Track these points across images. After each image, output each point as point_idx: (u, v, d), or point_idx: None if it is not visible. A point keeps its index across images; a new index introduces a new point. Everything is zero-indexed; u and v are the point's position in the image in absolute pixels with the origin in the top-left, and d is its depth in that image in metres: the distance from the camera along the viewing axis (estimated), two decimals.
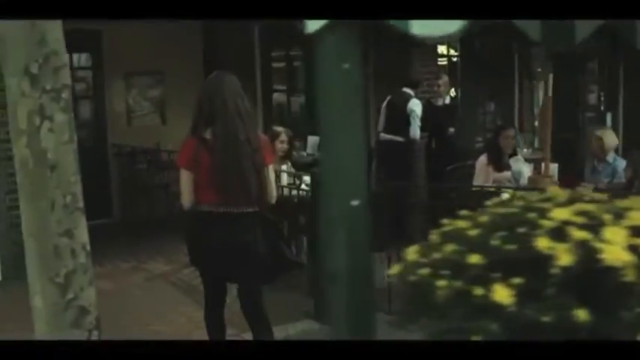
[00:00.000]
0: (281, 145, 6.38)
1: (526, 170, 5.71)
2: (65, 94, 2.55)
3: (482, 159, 6.33)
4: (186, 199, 3.67)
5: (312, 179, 4.95)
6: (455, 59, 10.06)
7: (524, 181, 5.62)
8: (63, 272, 2.57)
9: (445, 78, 8.22)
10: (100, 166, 8.78)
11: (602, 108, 11.93)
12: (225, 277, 3.80)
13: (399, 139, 7.64)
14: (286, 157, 6.53)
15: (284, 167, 6.35)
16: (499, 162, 6.23)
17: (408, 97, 7.66)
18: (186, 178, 3.64)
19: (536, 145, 9.69)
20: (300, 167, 7.37)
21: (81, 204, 2.64)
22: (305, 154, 8.87)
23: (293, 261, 4.06)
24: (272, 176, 3.73)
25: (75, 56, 8.65)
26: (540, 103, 10.71)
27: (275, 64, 9.72)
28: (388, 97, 7.95)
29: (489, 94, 10.51)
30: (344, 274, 1.18)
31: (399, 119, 7.63)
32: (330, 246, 1.10)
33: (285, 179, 6.00)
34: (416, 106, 7.58)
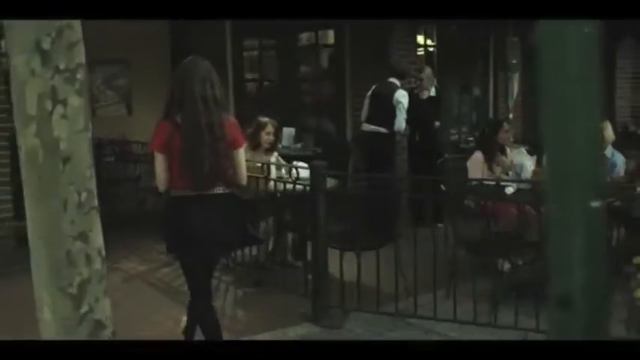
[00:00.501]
0: (267, 137, 6.12)
1: (529, 164, 5.53)
2: (80, 75, 2.21)
3: (478, 156, 6.14)
4: (161, 182, 3.74)
5: (312, 173, 4.65)
6: (432, 49, 9.86)
7: (526, 174, 5.44)
8: (77, 281, 2.24)
9: (428, 70, 8.00)
10: None
11: None
12: (203, 261, 3.84)
13: (383, 130, 7.41)
14: (272, 148, 6.28)
15: (272, 159, 6.05)
16: (495, 158, 6.07)
17: (394, 88, 7.42)
18: (160, 162, 3.70)
19: (511, 138, 9.56)
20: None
21: (96, 202, 2.30)
22: (280, 146, 8.59)
23: (254, 236, 4.26)
24: (242, 159, 3.79)
25: None
26: (515, 95, 10.68)
27: (247, 53, 9.38)
28: (373, 87, 7.70)
29: (464, 86, 10.39)
30: (582, 294, 0.92)
31: (383, 110, 7.39)
32: (564, 260, 0.85)
33: (273, 172, 5.68)
34: (402, 97, 7.34)
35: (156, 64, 8.77)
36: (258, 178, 5.23)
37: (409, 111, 7.33)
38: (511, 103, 10.59)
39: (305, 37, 9.44)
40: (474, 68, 10.49)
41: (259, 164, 5.66)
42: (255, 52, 9.40)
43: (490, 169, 6.09)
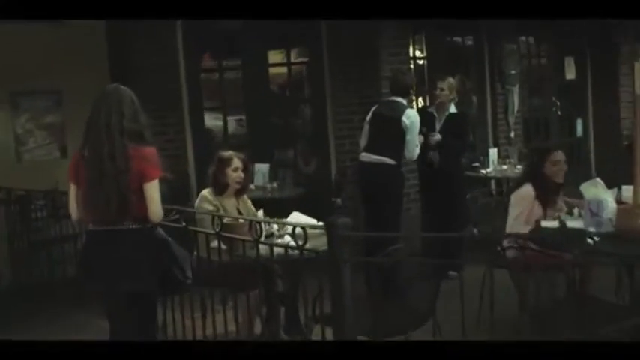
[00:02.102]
0: (235, 175, 5.04)
1: (610, 199, 4.25)
2: None
3: (528, 190, 4.87)
4: (71, 213, 3.87)
5: (329, 235, 3.29)
6: (421, 61, 8.69)
7: (608, 214, 4.16)
8: None
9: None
10: None
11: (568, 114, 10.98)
12: (112, 298, 3.86)
13: (390, 161, 6.13)
14: (244, 189, 5.19)
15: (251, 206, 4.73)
16: (549, 194, 4.81)
17: (400, 108, 6.15)
18: (71, 192, 3.83)
19: (514, 159, 8.39)
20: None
21: None
22: (253, 186, 7.26)
23: (181, 281, 3.84)
24: (152, 194, 3.66)
25: None
26: (516, 110, 9.56)
27: (206, 76, 8.08)
28: (373, 108, 6.41)
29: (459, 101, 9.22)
30: None
31: (388, 135, 6.12)
32: None
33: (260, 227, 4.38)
34: (412, 118, 6.09)
35: (94, 94, 7.42)
36: (244, 240, 3.90)
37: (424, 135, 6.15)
38: (512, 120, 9.46)
39: (275, 55, 8.17)
40: (469, 81, 9.34)
41: (242, 220, 4.33)
42: (215, 75, 8.08)
43: (545, 207, 4.80)
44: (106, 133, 3.63)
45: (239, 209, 5.00)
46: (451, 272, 6.28)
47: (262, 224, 4.22)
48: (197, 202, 4.97)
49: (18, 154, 7.33)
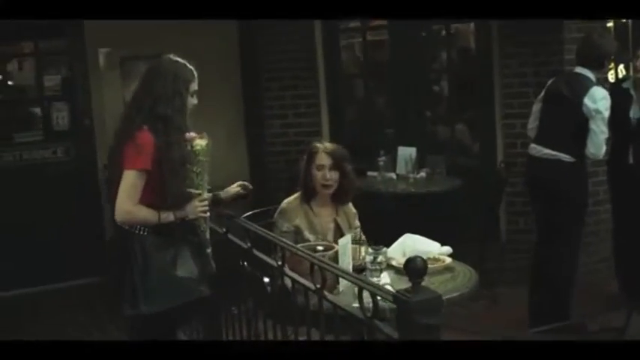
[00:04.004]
0: (319, 174, 3.75)
1: None
2: None
3: None
4: None
5: (399, 318, 1.92)
6: (624, 20, 6.91)
7: None
8: None
9: None
10: (87, 198, 6.54)
11: None
12: None
13: (566, 157, 4.61)
14: (342, 197, 3.82)
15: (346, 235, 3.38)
16: None
17: (584, 85, 4.56)
18: None
19: None
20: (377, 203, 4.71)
21: None
22: (394, 175, 6.00)
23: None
24: (122, 185, 3.14)
25: None
26: None
27: (346, 40, 6.99)
28: (549, 82, 4.87)
29: None
30: None
31: (565, 122, 4.61)
32: None
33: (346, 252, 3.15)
34: (599, 101, 4.49)
35: (218, 60, 6.71)
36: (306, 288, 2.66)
37: (615, 120, 4.58)
38: None
39: None
40: None
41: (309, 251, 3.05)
42: (358, 39, 6.92)
43: None
44: (126, 110, 3.34)
45: (337, 222, 3.75)
46: None
47: (351, 258, 2.98)
48: (276, 214, 3.80)
49: None
